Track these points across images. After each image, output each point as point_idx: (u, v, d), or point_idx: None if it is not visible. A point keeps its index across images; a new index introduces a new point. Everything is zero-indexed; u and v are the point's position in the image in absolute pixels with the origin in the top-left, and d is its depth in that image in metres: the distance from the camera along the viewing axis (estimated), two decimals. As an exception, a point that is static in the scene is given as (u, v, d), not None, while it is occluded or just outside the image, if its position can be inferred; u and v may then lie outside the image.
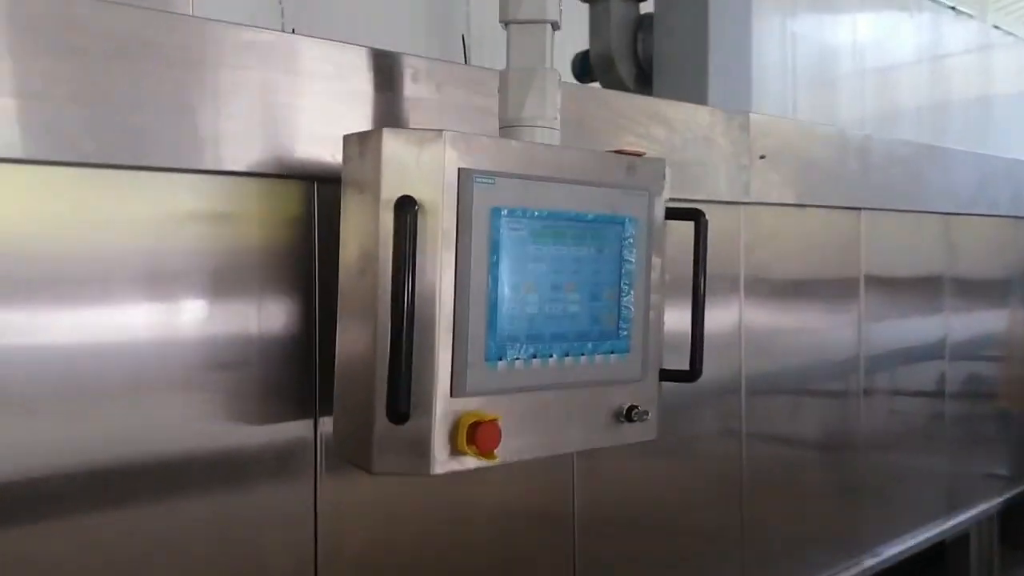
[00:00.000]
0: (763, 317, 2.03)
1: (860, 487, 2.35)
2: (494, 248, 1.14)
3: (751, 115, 1.96)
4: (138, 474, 1.12)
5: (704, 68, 2.42)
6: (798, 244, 2.13)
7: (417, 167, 1.10)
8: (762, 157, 1.97)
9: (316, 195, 1.26)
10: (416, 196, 1.09)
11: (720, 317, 1.92)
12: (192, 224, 1.17)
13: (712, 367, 1.90)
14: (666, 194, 1.37)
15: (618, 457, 1.44)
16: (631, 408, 1.30)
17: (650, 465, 1.80)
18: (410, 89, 1.35)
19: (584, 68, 2.71)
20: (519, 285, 1.18)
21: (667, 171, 1.36)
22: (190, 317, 1.17)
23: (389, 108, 1.33)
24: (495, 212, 1.14)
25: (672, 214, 1.37)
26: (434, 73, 1.38)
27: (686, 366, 1.40)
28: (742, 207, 1.96)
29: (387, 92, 1.33)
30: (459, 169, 1.11)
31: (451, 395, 1.12)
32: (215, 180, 1.18)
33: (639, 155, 1.31)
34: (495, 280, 1.15)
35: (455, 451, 1.13)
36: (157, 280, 1.13)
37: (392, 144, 1.10)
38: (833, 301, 2.28)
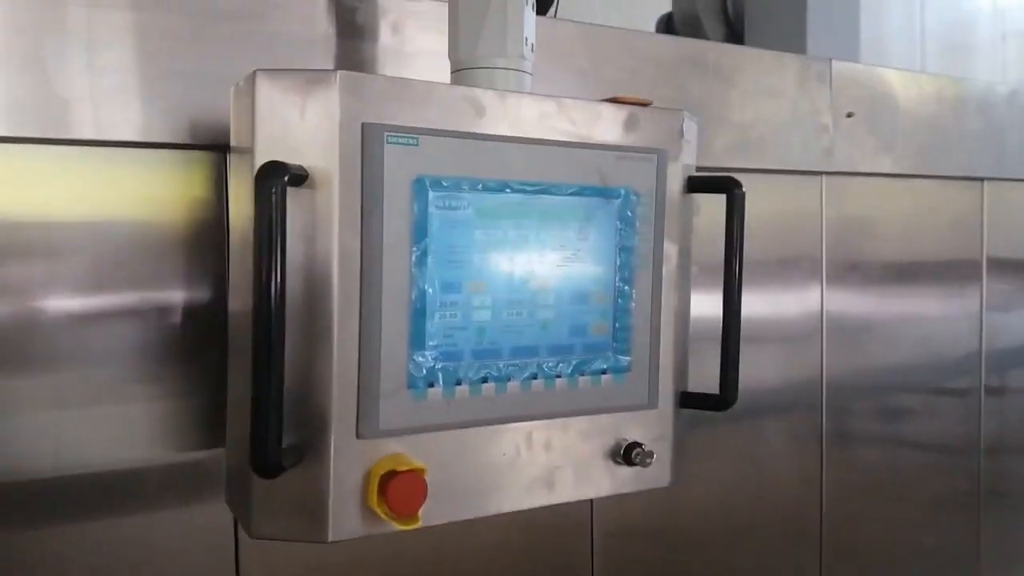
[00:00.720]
0: (852, 309, 1.63)
1: (981, 498, 1.92)
2: (418, 233, 0.83)
3: (833, 62, 1.56)
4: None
5: (802, 22, 2.05)
6: (899, 222, 1.71)
7: (302, 122, 0.80)
8: (849, 115, 1.57)
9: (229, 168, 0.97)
10: (304, 163, 0.79)
11: (794, 309, 1.55)
12: (68, 205, 0.91)
13: (783, 368, 1.55)
14: (689, 158, 1.02)
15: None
16: (632, 447, 0.97)
17: (706, 493, 1.45)
18: (352, 30, 1.05)
19: (669, 31, 2.42)
20: (461, 284, 0.86)
21: (690, 127, 1.01)
22: (71, 317, 0.91)
23: (326, 58, 1.04)
24: (419, 184, 0.83)
25: (696, 184, 1.01)
26: (387, 9, 1.07)
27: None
28: (822, 177, 1.57)
29: (328, 36, 1.04)
30: (363, 125, 0.80)
31: (357, 435, 0.82)
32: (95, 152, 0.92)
33: (643, 105, 0.96)
34: (422, 277, 0.83)
35: (367, 509, 0.82)
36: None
37: (268, 92, 0.80)
38: (946, 288, 1.85)
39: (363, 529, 0.82)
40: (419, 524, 0.82)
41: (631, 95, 0.96)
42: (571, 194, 0.91)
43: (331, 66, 1.03)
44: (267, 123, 0.80)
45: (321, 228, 0.80)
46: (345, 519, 0.82)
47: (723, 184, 1.01)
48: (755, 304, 1.50)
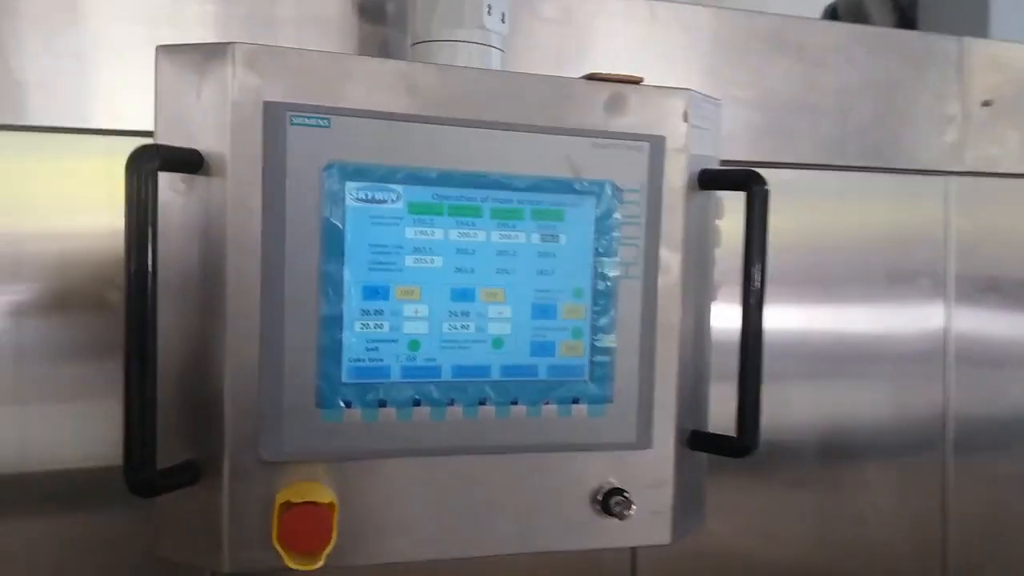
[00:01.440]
0: (986, 332, 1.35)
1: None
2: (330, 229, 0.72)
3: (965, 40, 1.30)
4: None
5: (985, 3, 1.80)
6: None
7: (199, 102, 0.71)
8: (986, 104, 1.30)
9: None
10: (201, 147, 0.71)
11: (908, 334, 1.30)
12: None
13: (891, 402, 1.30)
14: (703, 147, 0.84)
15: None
16: (611, 494, 0.81)
17: (792, 552, 1.25)
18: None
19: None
20: (388, 289, 0.74)
21: (705, 109, 0.84)
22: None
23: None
24: (331, 172, 0.72)
25: (709, 179, 0.84)
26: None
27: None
28: (951, 179, 1.31)
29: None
30: (265, 103, 0.70)
31: (258, 458, 0.72)
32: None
33: (632, 82, 0.80)
34: (335, 280, 0.72)
35: (269, 541, 0.72)
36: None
37: (167, 70, 0.72)
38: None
39: (265, 561, 0.72)
40: (317, 565, 0.71)
41: (615, 72, 0.80)
42: (531, 189, 0.77)
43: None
44: (166, 104, 0.72)
45: (215, 221, 0.71)
46: (244, 549, 0.72)
47: (741, 179, 0.82)
48: (858, 327, 1.27)
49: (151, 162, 0.66)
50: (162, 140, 0.71)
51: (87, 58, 0.88)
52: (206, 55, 0.70)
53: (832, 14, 2.32)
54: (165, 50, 0.72)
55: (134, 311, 0.66)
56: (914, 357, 1.31)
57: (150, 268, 0.66)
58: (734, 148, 1.11)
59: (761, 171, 0.82)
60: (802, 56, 1.19)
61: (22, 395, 0.89)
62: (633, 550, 1.16)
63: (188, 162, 0.70)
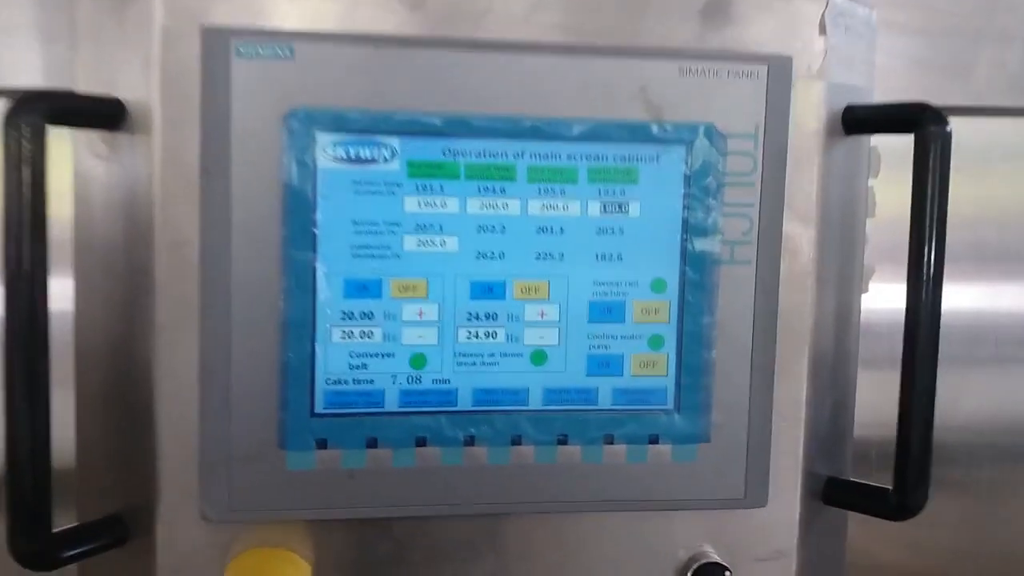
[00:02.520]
0: None
1: None
2: (296, 200, 0.51)
3: None
4: None
5: None
6: None
7: (121, 36, 0.52)
8: None
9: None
10: (123, 94, 0.52)
11: None
12: None
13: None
14: (848, 74, 0.58)
15: None
16: (707, 571, 0.57)
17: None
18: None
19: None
20: (381, 283, 0.53)
21: (850, 16, 0.57)
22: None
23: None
24: (295, 121, 0.51)
25: (859, 119, 0.57)
26: None
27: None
28: None
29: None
30: (203, 29, 0.50)
31: (202, 515, 0.53)
32: None
33: (739, -22, 0.55)
34: (303, 271, 0.52)
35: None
36: None
37: (87, 3, 0.53)
38: None
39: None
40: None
41: (713, -38, 0.54)
42: (587, 138, 0.53)
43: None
44: (87, 45, 0.53)
45: (141, 196, 0.52)
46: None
47: (908, 117, 0.56)
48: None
49: (32, 115, 0.47)
50: (84, 89, 0.53)
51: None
52: (124, -38, 0.51)
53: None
54: (79, -33, 0.53)
55: (17, 317, 0.48)
56: None
57: (35, 259, 0.47)
58: (886, 89, 0.82)
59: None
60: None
61: None
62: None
63: (106, 115, 0.51)
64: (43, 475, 0.49)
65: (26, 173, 0.47)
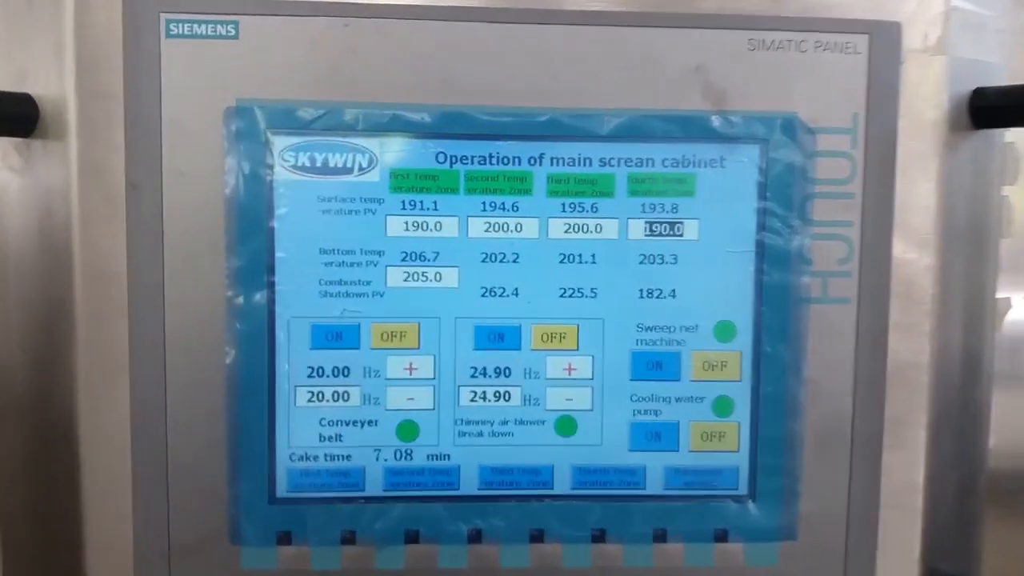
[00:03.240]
0: None
1: None
2: (246, 222, 0.40)
3: None
4: None
5: None
6: None
7: (31, 17, 0.41)
8: None
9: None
10: (36, 90, 0.41)
11: None
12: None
13: None
14: (990, 49, 0.44)
15: None
16: None
17: None
18: None
19: None
20: (359, 330, 0.41)
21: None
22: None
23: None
24: (238, 118, 0.39)
25: (994, 107, 0.43)
26: None
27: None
28: None
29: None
30: (125, 2, 0.39)
31: (135, 623, 0.41)
32: None
33: (830, -80, 0.41)
34: (258, 312, 0.40)
35: None
36: None
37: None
38: None
39: None
40: None
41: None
42: (627, 135, 0.41)
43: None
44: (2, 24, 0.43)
45: (57, 215, 0.41)
46: None
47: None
48: None
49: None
50: (-5, 83, 0.42)
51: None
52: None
53: None
54: (-16, -73, 0.43)
55: None
56: None
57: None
58: (1019, 69, 0.67)
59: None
60: None
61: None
62: None
63: (17, 115, 0.41)
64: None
65: None
